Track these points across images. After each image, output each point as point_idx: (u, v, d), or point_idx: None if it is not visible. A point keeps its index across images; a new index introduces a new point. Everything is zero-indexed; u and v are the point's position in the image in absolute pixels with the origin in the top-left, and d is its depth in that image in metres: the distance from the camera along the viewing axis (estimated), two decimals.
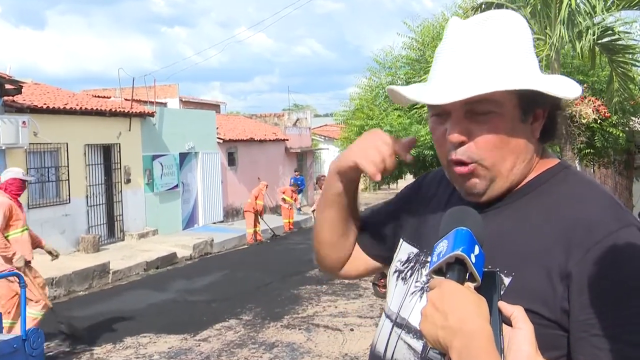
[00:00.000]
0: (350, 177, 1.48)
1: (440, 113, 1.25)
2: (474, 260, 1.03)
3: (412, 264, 1.39)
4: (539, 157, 1.30)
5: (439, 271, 1.06)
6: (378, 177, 1.37)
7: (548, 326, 1.12)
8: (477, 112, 1.20)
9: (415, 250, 1.41)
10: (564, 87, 1.22)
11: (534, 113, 1.25)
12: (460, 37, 1.23)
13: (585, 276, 1.10)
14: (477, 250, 1.04)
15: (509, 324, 1.05)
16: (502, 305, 1.05)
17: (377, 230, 1.59)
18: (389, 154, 1.38)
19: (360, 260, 1.62)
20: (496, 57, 1.21)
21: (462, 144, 1.22)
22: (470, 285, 1.04)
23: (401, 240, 1.49)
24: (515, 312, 1.04)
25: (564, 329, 1.12)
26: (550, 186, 1.26)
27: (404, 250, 1.45)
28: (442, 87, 1.21)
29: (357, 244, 1.61)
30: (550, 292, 1.12)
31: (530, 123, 1.25)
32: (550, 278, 1.13)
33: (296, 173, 24.30)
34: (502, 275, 1.17)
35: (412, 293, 1.33)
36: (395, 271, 1.43)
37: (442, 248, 1.06)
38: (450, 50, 1.23)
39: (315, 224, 1.65)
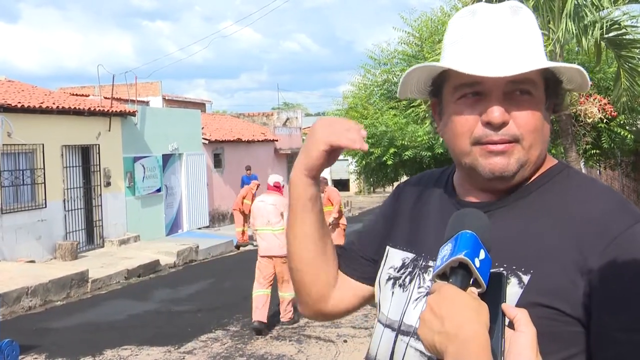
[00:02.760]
0: (318, 173, 1.48)
1: (470, 94, 1.27)
2: (478, 265, 1.04)
3: (409, 269, 1.40)
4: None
5: (442, 275, 1.08)
6: (365, 146, 1.38)
7: (569, 323, 1.16)
8: (516, 94, 1.25)
9: (410, 255, 1.42)
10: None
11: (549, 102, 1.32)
12: (495, 20, 1.27)
13: (605, 271, 1.14)
14: (482, 254, 1.06)
15: (513, 327, 1.07)
16: (506, 307, 1.07)
17: (364, 250, 1.57)
18: (358, 127, 1.42)
19: (347, 289, 1.57)
20: (534, 42, 1.28)
21: (503, 125, 1.24)
22: (474, 290, 1.05)
23: (387, 248, 1.50)
24: (519, 314, 1.06)
25: (584, 326, 1.16)
26: (555, 184, 1.30)
27: (396, 256, 1.46)
28: (490, 62, 1.23)
29: (340, 271, 1.57)
30: (571, 289, 1.16)
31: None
32: (569, 275, 1.16)
33: (248, 171, 21.68)
34: (520, 273, 1.20)
35: (416, 299, 1.34)
36: (390, 278, 1.44)
37: (446, 252, 1.07)
38: (487, 29, 1.27)
39: (288, 246, 1.55)
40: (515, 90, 1.24)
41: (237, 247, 17.78)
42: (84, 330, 9.22)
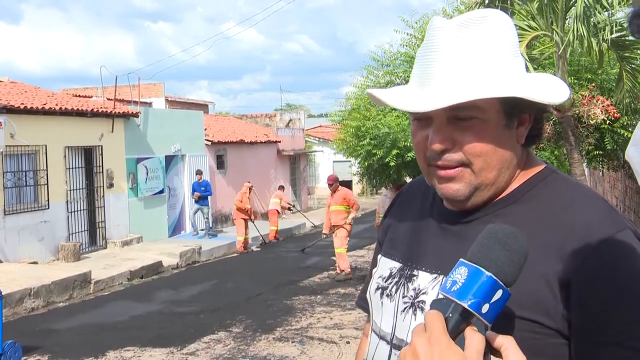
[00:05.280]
0: None
1: (421, 118, 1.27)
2: (486, 310, 0.98)
3: (395, 279, 1.39)
4: (523, 162, 1.32)
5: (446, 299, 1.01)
6: None
7: (551, 335, 1.14)
8: (460, 118, 1.22)
9: (397, 265, 1.41)
10: (550, 91, 1.23)
11: (519, 118, 1.27)
12: (441, 40, 1.23)
13: (585, 283, 1.12)
14: (498, 294, 0.99)
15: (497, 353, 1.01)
16: (491, 336, 1.01)
17: None
18: None
19: None
20: (479, 62, 1.22)
21: (445, 151, 1.24)
22: (474, 329, 0.99)
23: (380, 256, 1.50)
24: (506, 343, 1.00)
25: (565, 338, 1.14)
26: (539, 191, 1.28)
27: (384, 265, 1.45)
28: (422, 94, 1.22)
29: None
30: (551, 301, 1.14)
31: (515, 128, 1.27)
32: (549, 286, 1.15)
33: (198, 176, 19.03)
34: None
35: (403, 310, 1.34)
36: (378, 288, 1.43)
37: (459, 278, 1.00)
38: (431, 53, 1.24)
39: None
40: (458, 116, 1.22)
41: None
42: (86, 332, 9.22)
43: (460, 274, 1.00)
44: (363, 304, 1.58)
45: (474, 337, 0.96)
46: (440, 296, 1.02)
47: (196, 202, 18.82)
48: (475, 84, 1.20)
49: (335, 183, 12.97)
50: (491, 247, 1.00)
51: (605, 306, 1.10)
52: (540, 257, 1.16)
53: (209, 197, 19.15)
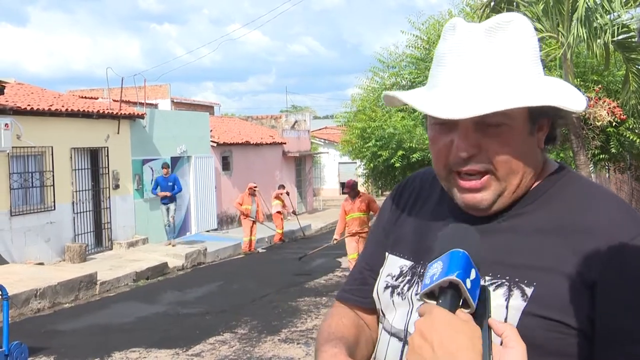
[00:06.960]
0: None
1: (444, 122, 1.25)
2: (469, 285, 1.00)
3: (407, 277, 1.38)
4: (541, 165, 1.32)
5: (430, 294, 1.04)
6: None
7: (573, 335, 1.14)
8: (487, 125, 1.21)
9: (408, 263, 1.40)
10: (571, 98, 1.23)
11: (539, 123, 1.27)
12: (467, 44, 1.22)
13: (610, 284, 1.13)
14: (473, 274, 1.02)
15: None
16: (493, 323, 1.04)
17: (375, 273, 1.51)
18: None
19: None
20: (508, 70, 1.21)
21: (471, 158, 1.23)
22: (464, 311, 1.01)
23: (387, 254, 1.48)
24: (507, 330, 1.03)
25: (588, 338, 1.14)
26: (558, 191, 1.28)
27: (393, 263, 1.44)
28: (453, 100, 1.20)
29: (363, 310, 1.54)
30: (575, 301, 1.14)
31: (536, 133, 1.27)
32: (573, 286, 1.15)
33: (164, 170, 16.97)
34: (524, 286, 1.18)
35: (418, 308, 1.33)
36: (388, 286, 1.42)
37: (436, 270, 1.03)
38: (457, 57, 1.23)
39: None
40: (485, 122, 1.20)
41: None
42: (92, 333, 9.23)
43: (435, 268, 1.04)
44: (348, 296, 1.60)
45: (505, 326, 1.04)
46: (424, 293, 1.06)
47: (162, 200, 16.81)
48: (506, 91, 1.19)
49: (353, 190, 11.91)
50: (450, 238, 1.08)
51: (629, 306, 1.11)
52: (563, 258, 1.17)
53: (176, 195, 17.09)
